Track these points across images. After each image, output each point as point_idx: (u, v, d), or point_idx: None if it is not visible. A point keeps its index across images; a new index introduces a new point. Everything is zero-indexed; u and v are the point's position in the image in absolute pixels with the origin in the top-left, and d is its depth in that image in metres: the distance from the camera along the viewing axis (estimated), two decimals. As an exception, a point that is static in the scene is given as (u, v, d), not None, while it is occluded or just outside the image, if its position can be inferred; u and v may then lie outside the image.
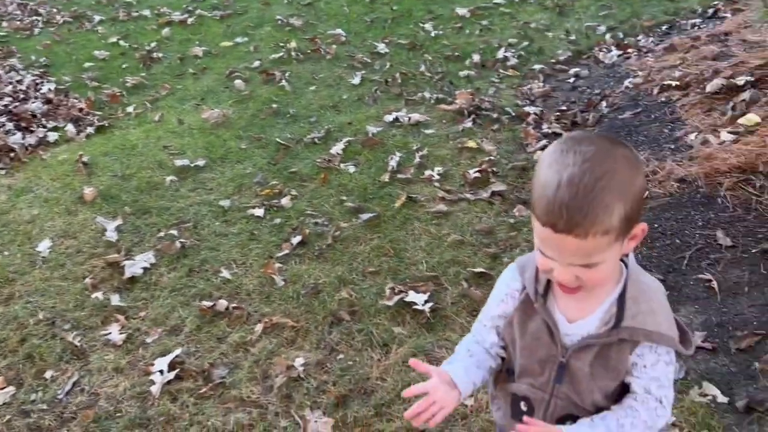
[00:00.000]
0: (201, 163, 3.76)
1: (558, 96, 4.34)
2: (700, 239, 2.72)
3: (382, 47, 5.27)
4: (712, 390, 2.08)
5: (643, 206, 0.96)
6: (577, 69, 4.67)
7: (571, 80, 4.54)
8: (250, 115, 4.37)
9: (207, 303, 2.63)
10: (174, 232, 3.13)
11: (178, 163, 3.74)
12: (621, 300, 1.04)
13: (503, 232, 2.96)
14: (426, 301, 2.53)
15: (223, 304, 2.62)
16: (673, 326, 1.05)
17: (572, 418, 1.11)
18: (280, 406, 2.16)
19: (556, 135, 3.76)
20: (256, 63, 5.19)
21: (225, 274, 2.82)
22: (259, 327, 2.50)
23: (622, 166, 0.91)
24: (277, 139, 3.99)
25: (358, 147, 3.85)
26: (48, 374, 2.34)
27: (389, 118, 4.14)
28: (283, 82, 4.78)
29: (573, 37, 5.23)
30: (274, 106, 4.45)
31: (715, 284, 2.49)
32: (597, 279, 0.98)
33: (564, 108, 4.10)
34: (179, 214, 3.30)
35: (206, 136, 4.11)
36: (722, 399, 2.05)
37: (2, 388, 2.29)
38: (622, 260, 1.06)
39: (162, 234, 3.12)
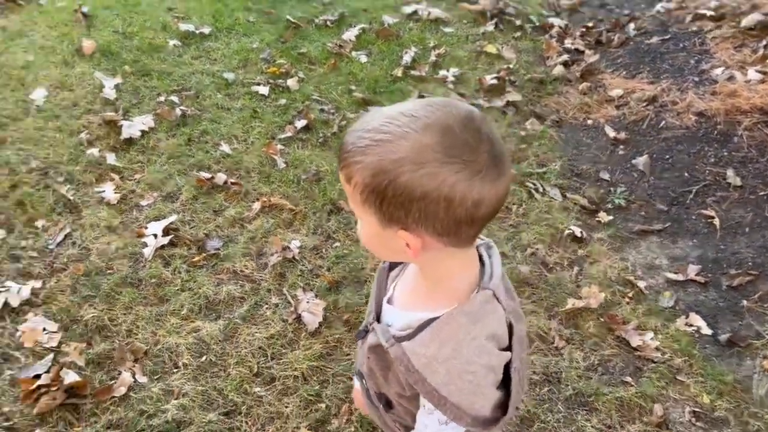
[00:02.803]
0: (206, 30, 3.58)
1: (585, 12, 4.15)
2: (709, 175, 2.69)
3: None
4: (698, 321, 2.12)
5: (405, 211, 0.80)
6: (608, -14, 4.45)
7: (601, -3, 4.33)
8: (260, -13, 4.13)
9: (205, 174, 2.57)
10: (174, 98, 3.01)
11: (183, 27, 3.56)
12: (428, 323, 0.90)
13: (513, 143, 2.90)
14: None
15: (221, 177, 2.57)
16: (470, 397, 0.88)
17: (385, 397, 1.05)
18: (272, 284, 2.16)
19: (579, 52, 3.63)
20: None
21: (225, 148, 2.74)
22: (257, 205, 2.46)
23: (414, 154, 0.77)
24: (288, 17, 3.79)
25: (372, 36, 3.68)
26: (39, 223, 2.30)
27: (408, 10, 3.94)
28: (298, -43, 4.49)
29: (609, -49, 4.95)
30: (287, -19, 4.20)
31: (717, 221, 2.48)
32: (361, 236, 0.91)
33: (590, 25, 3.93)
34: (181, 80, 3.16)
35: (213, 3, 3.89)
36: (706, 331, 2.09)
37: (-8, 231, 2.25)
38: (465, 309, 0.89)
39: (162, 99, 3.00)
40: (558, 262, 2.34)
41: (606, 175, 2.78)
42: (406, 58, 3.44)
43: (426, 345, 0.88)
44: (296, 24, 3.73)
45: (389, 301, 1.01)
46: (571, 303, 2.15)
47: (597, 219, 2.56)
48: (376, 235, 0.87)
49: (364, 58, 3.46)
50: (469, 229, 0.83)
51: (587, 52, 3.60)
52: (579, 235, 2.44)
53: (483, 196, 0.78)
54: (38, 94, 2.92)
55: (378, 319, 1.01)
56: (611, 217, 2.55)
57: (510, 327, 0.92)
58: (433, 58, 3.47)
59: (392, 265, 1.06)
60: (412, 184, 0.77)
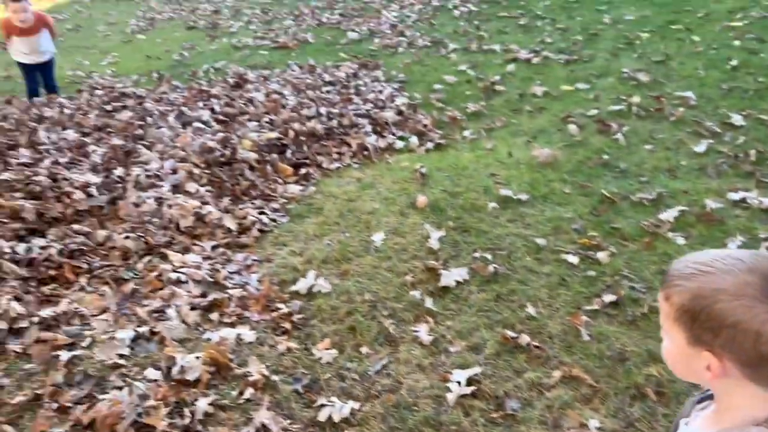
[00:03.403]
0: (523, 197, 3.87)
1: None
2: None
3: (737, 119, 4.79)
4: None
5: (714, 334, 0.91)
6: None
7: None
8: (578, 161, 4.36)
9: (510, 333, 2.69)
10: (488, 255, 3.27)
11: (503, 192, 3.90)
12: None
13: None
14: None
15: (525, 339, 2.66)
16: None
17: None
18: (566, 461, 2.11)
19: None
20: (594, 111, 5.15)
21: (530, 310, 2.85)
22: (557, 374, 2.47)
23: (734, 288, 0.88)
24: (603, 191, 3.90)
25: (692, 219, 3.57)
26: (364, 350, 2.64)
27: (734, 196, 3.75)
28: (618, 135, 4.66)
29: None
30: (605, 157, 4.37)
31: None
32: (664, 352, 1.02)
33: None
34: (496, 240, 3.43)
35: (532, 172, 4.21)
36: None
37: (327, 349, 2.64)
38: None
39: (477, 254, 3.28)
40: None
41: None
42: (731, 246, 3.24)
43: None
44: (611, 199, 3.81)
45: (687, 423, 1.11)
46: None
47: None
48: (680, 354, 0.98)
49: (681, 241, 3.35)
50: (756, 366, 0.90)
51: None
52: None
53: None
54: (377, 237, 3.45)
55: None
56: None
57: None
58: (763, 250, 3.21)
59: (701, 399, 1.12)
60: (726, 312, 0.88)
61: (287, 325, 2.78)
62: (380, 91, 5.84)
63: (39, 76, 5.75)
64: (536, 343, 2.64)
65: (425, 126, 5.02)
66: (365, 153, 4.56)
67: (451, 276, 3.08)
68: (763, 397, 0.95)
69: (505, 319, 2.82)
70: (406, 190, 4.00)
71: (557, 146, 4.58)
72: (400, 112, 5.28)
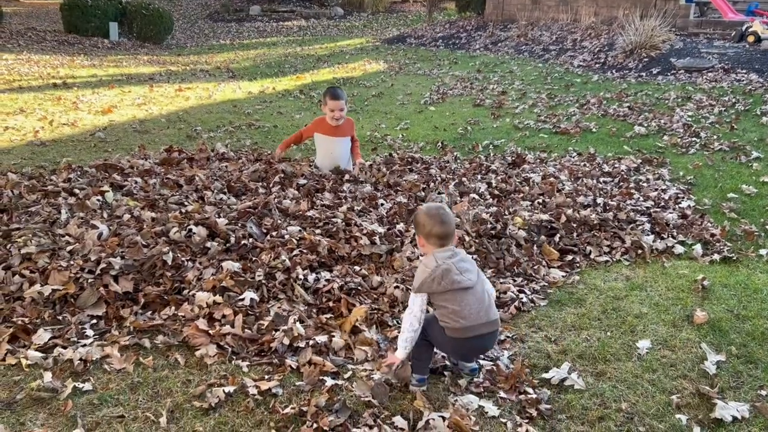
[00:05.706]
0: (832, 339, 3.26)
1: None
2: None
3: None
4: None
5: (417, 228, 2.86)
6: None
7: None
8: None
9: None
10: (778, 397, 2.81)
11: (805, 327, 3.34)
12: None
13: None
14: None
15: None
16: (417, 280, 2.73)
17: None
18: None
19: None
20: None
21: (829, 477, 2.36)
22: None
23: (422, 212, 2.85)
24: None
25: None
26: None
27: None
28: None
29: None
30: None
31: None
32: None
33: None
34: (790, 381, 2.94)
35: None
36: None
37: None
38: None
39: (763, 392, 2.84)
40: None
41: None
42: None
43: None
44: None
45: None
46: None
47: None
48: (419, 244, 2.91)
49: None
50: (431, 238, 2.76)
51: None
52: None
53: (434, 228, 2.76)
54: (643, 344, 3.19)
55: None
56: None
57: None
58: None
59: None
60: (419, 218, 2.83)
61: (533, 412, 2.69)
62: (663, 190, 5.50)
63: None
64: None
65: (713, 236, 4.57)
66: (639, 252, 4.30)
67: (728, 409, 2.71)
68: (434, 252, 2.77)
69: (792, 478, 2.37)
70: (682, 300, 3.66)
71: None
72: (684, 216, 4.91)
